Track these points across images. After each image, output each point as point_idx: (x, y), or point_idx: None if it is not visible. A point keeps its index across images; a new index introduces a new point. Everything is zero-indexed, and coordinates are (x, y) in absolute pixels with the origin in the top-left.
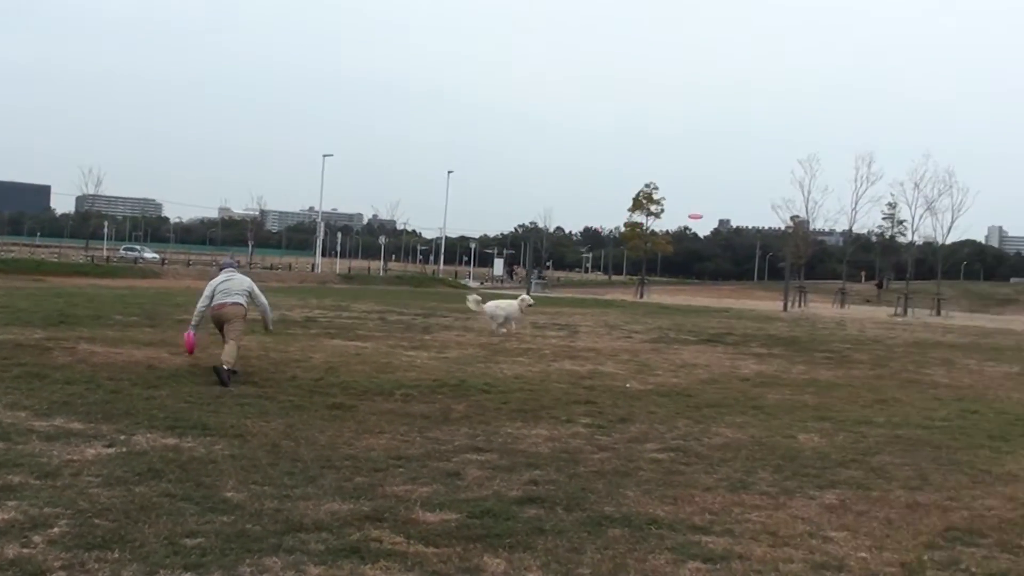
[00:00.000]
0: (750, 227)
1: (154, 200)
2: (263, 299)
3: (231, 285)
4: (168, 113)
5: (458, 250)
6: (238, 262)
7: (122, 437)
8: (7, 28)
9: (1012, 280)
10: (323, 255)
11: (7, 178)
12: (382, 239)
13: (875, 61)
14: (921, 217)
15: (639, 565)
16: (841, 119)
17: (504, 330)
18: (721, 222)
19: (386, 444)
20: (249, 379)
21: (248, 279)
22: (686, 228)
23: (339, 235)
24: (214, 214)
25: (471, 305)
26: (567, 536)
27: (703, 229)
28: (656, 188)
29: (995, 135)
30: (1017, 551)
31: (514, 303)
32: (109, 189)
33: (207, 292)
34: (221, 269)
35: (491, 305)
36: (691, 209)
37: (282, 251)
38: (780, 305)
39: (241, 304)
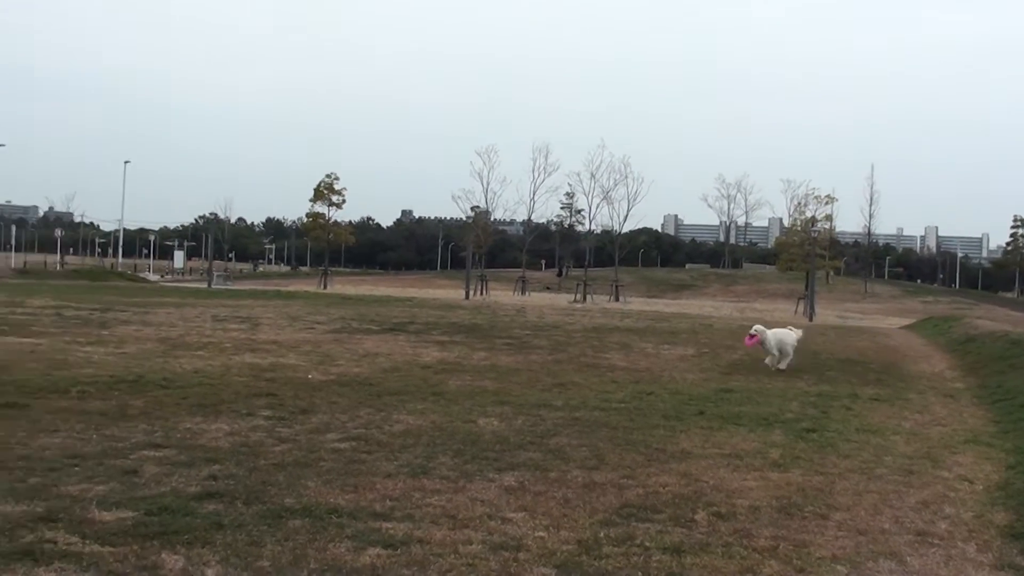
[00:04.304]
0: (432, 217)
1: None
2: None
3: None
4: None
5: (138, 242)
6: None
7: None
8: None
9: (687, 266)
10: None
11: None
12: (58, 232)
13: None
14: (598, 206)
15: (319, 555)
16: (520, 108)
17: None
18: (404, 212)
19: (61, 443)
20: None
21: None
22: (369, 219)
23: (13, 228)
24: None
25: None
26: (247, 529)
27: (386, 219)
28: (337, 179)
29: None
30: (690, 524)
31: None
32: None
33: None
34: None
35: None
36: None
37: None
38: (462, 293)
39: None
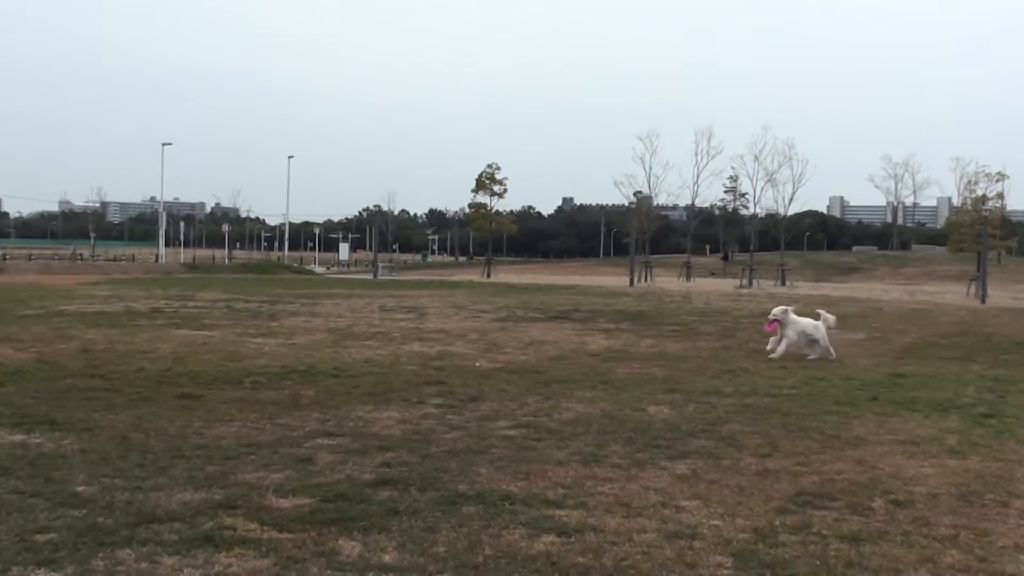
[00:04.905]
0: (593, 204)
1: None
2: None
3: None
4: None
5: (303, 236)
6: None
7: None
8: None
9: (854, 249)
10: (167, 245)
11: None
12: (226, 227)
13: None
14: (763, 189)
15: (494, 541)
16: (681, 92)
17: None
18: (564, 200)
19: (236, 432)
20: (96, 372)
21: None
22: (530, 207)
23: (182, 224)
24: (54, 207)
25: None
26: (421, 516)
27: (547, 208)
28: (499, 168)
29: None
30: (867, 512)
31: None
32: None
33: None
34: None
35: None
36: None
37: (125, 242)
38: (626, 280)
39: None
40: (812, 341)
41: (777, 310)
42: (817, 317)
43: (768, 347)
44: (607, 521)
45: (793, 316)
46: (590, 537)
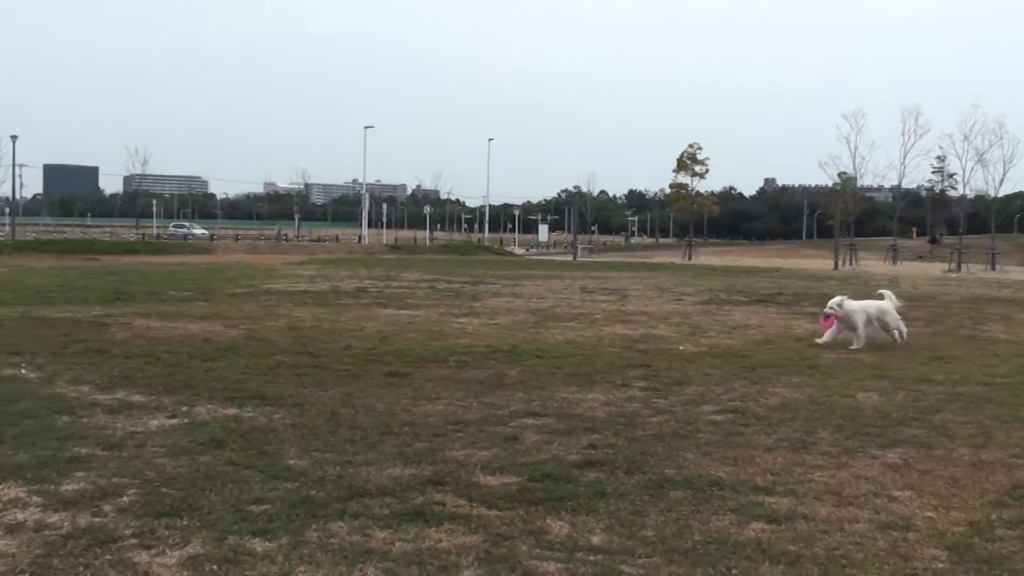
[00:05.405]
0: (796, 185)
1: (200, 177)
2: None
3: None
4: (210, 91)
5: (502, 217)
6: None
7: (183, 408)
8: (49, 13)
9: None
10: (369, 226)
11: (56, 161)
12: (427, 209)
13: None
14: (972, 170)
15: (703, 527)
16: (886, 71)
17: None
18: (767, 181)
19: (443, 410)
20: (304, 349)
21: None
22: (731, 188)
23: (384, 206)
24: (260, 189)
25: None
26: (629, 499)
27: (748, 189)
28: (700, 148)
29: None
30: None
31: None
32: (156, 168)
33: None
34: None
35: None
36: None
37: (328, 223)
38: (830, 264)
39: None
40: (884, 324)
41: (832, 302)
42: (880, 298)
43: (821, 340)
44: (817, 509)
45: (852, 304)
46: (800, 525)
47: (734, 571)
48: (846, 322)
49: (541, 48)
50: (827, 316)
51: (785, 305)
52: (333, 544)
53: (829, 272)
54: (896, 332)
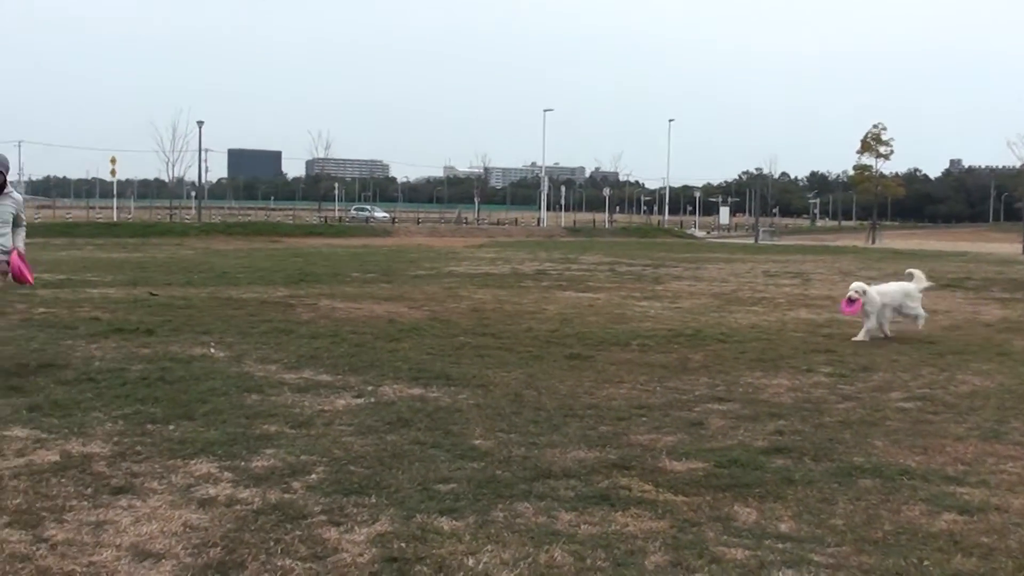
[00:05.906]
0: (983, 166)
1: (381, 161)
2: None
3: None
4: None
5: (682, 200)
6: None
7: (369, 388)
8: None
9: None
10: (547, 209)
11: (241, 146)
12: (606, 191)
13: None
14: None
15: (893, 516)
16: None
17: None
18: (952, 162)
19: (627, 393)
20: (487, 331)
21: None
22: (916, 170)
23: (562, 189)
24: (439, 173)
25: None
26: (817, 487)
27: (933, 170)
28: (884, 128)
29: None
30: None
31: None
32: (338, 152)
33: None
34: None
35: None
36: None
37: (507, 206)
38: (1019, 248)
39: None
40: (899, 308)
41: (856, 287)
42: (909, 278)
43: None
44: (1011, 501)
45: (876, 289)
46: (994, 517)
47: (926, 563)
48: (869, 309)
49: (720, 25)
50: (852, 301)
51: (973, 290)
52: (519, 524)
53: (1018, 256)
54: (914, 318)
